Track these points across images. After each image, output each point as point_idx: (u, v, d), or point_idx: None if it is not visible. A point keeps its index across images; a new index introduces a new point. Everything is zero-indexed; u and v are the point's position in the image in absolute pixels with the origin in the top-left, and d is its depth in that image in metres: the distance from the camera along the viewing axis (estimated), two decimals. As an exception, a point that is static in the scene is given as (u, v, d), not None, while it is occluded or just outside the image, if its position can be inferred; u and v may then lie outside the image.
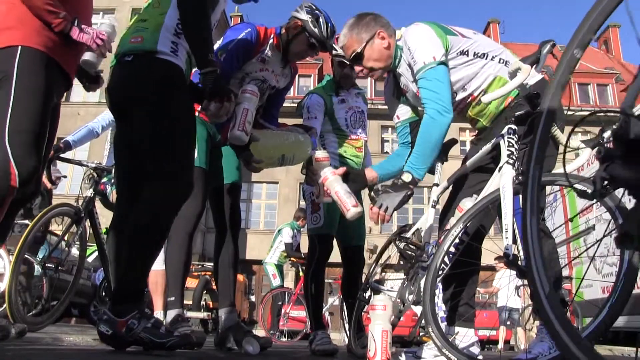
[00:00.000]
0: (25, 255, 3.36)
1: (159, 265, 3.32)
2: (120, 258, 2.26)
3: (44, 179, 5.51)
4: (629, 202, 1.50)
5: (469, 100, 2.37)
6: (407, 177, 2.26)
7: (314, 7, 2.95)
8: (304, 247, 5.60)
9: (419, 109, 2.59)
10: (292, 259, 8.03)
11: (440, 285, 2.36)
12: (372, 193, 3.34)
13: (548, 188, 2.14)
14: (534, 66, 2.08)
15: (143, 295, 2.12)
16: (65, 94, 2.37)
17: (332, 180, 2.71)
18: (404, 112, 2.65)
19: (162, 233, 2.11)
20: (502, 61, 2.33)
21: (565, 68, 1.24)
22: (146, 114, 2.11)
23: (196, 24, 2.11)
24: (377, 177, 2.67)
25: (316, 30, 2.85)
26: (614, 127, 1.04)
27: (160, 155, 2.10)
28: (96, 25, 2.23)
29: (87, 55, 2.19)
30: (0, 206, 1.90)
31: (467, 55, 2.31)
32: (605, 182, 1.04)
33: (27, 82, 1.99)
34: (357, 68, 2.55)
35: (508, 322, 9.51)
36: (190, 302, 7.58)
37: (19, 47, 1.99)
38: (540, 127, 1.30)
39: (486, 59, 2.33)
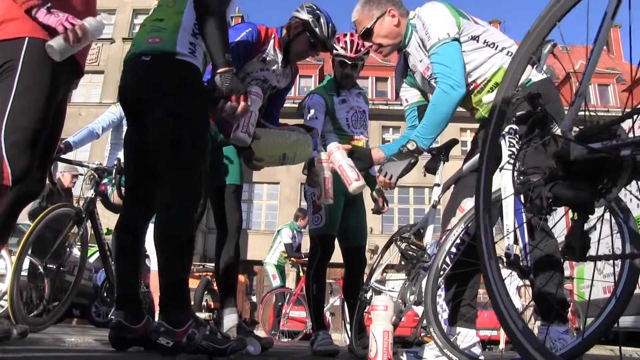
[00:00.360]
0: (27, 256, 3.36)
1: (159, 265, 3.32)
2: (123, 259, 2.26)
3: (62, 177, 5.51)
4: (630, 202, 1.49)
5: (471, 87, 2.38)
6: (411, 145, 2.31)
7: (315, 7, 2.96)
8: (305, 248, 5.61)
9: (428, 94, 2.62)
10: (292, 259, 8.06)
11: (442, 286, 2.36)
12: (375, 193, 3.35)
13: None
14: (535, 66, 2.08)
15: (190, 302, 2.11)
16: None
17: (336, 154, 2.74)
18: (412, 95, 2.68)
19: (187, 236, 2.08)
20: (509, 54, 2.34)
21: (496, 119, 1.43)
22: (163, 115, 2.09)
23: (214, 24, 2.08)
24: (383, 157, 2.72)
25: (317, 30, 2.86)
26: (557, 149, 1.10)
27: (175, 158, 2.09)
28: None
29: (52, 41, 1.96)
30: None
31: (478, 41, 2.33)
32: (550, 201, 1.11)
33: (31, 76, 1.95)
34: (367, 43, 2.60)
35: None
36: (192, 303, 7.59)
37: (26, 39, 1.96)
38: (483, 176, 1.40)
39: (495, 49, 2.34)
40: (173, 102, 2.08)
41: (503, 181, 1.94)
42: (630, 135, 1.04)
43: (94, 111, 16.91)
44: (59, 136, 2.36)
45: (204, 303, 8.16)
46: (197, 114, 2.15)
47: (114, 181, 4.04)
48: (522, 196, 1.91)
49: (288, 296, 7.88)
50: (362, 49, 3.39)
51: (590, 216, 1.13)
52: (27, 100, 1.94)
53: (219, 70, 2.07)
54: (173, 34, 2.14)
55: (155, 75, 2.12)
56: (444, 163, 2.48)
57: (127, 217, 2.29)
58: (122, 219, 2.31)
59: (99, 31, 2.09)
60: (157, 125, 2.12)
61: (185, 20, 2.18)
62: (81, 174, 5.57)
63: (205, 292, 8.16)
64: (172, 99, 2.08)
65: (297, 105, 3.62)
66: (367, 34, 2.55)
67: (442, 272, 2.08)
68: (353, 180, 2.78)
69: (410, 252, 2.39)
